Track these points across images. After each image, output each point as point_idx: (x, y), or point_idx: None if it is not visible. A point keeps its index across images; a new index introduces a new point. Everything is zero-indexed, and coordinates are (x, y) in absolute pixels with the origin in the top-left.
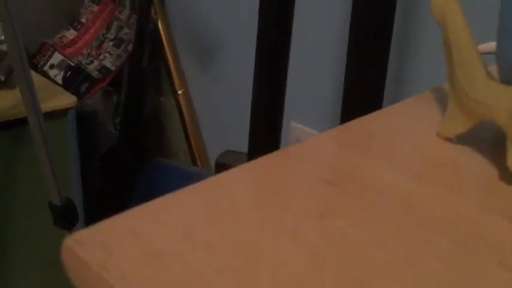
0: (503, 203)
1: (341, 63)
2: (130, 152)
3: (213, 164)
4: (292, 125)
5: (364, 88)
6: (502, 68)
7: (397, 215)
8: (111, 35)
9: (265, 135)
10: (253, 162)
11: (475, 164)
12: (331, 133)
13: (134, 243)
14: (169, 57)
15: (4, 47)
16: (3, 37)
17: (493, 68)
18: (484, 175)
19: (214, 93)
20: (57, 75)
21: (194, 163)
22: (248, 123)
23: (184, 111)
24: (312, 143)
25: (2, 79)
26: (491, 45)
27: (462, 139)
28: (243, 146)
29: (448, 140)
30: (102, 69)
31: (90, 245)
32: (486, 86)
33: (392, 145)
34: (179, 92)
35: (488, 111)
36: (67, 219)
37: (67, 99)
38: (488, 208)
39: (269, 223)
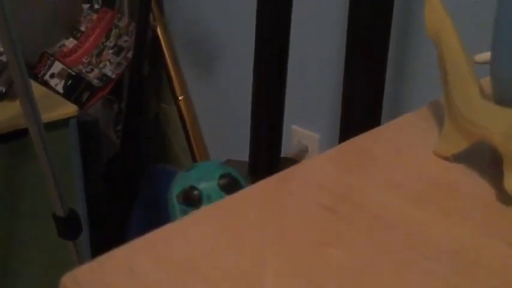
0: (503, 227)
1: (341, 65)
2: (132, 159)
3: None
4: (294, 129)
5: (363, 93)
6: (496, 81)
7: (396, 242)
8: (111, 42)
9: (266, 142)
10: (251, 188)
11: (472, 185)
12: (329, 154)
13: (131, 281)
14: (169, 63)
15: (4, 58)
16: (2, 48)
17: (487, 81)
18: (481, 196)
19: (215, 98)
20: (58, 84)
21: None
22: (248, 125)
23: (186, 117)
24: (310, 165)
25: (3, 90)
26: (487, 56)
27: (459, 158)
28: (245, 150)
29: (445, 158)
30: (103, 77)
31: (88, 284)
32: (482, 107)
33: (391, 166)
34: (180, 98)
35: (484, 133)
36: (71, 230)
37: (68, 109)
38: (487, 233)
39: (269, 254)
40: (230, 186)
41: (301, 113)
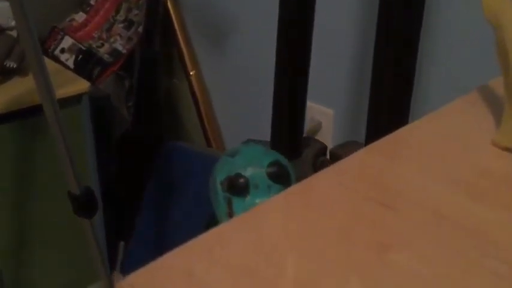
0: None
1: (357, 41)
2: (144, 136)
3: (228, 145)
4: (308, 105)
5: (394, 73)
6: None
7: (464, 244)
8: (121, 16)
9: (288, 121)
10: (298, 186)
11: None
12: (377, 145)
13: (190, 286)
14: (180, 37)
15: (15, 33)
16: (13, 23)
17: None
18: None
19: (227, 73)
20: (69, 59)
21: (209, 144)
22: (260, 99)
23: (197, 92)
24: (358, 158)
25: (14, 66)
26: None
27: None
28: (257, 126)
29: (505, 149)
30: (113, 52)
31: None
32: None
33: (446, 157)
34: (191, 73)
35: None
36: (86, 208)
37: (80, 85)
38: None
39: (329, 258)
40: (279, 174)
41: (316, 88)
